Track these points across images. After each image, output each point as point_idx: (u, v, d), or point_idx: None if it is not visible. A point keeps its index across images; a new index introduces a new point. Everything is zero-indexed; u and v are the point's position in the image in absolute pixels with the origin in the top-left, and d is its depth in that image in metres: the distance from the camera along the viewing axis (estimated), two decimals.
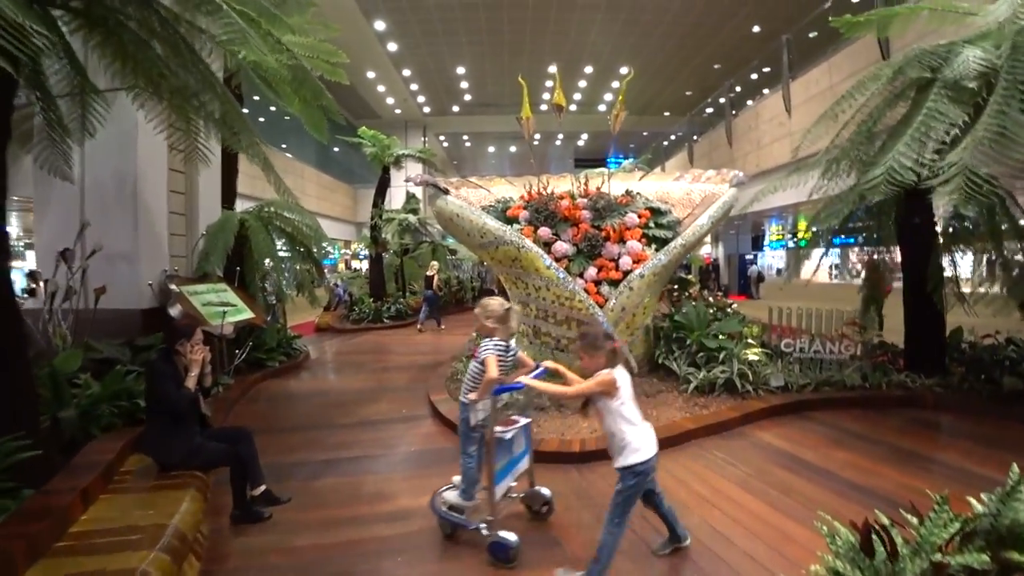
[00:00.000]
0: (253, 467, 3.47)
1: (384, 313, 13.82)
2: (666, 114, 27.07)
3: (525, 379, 2.78)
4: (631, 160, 24.82)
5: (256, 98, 11.46)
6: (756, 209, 6.75)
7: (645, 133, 30.16)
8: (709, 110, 22.42)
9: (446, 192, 6.39)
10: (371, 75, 21.08)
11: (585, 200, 6.61)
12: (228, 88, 7.85)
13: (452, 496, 3.16)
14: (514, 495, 3.27)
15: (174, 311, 5.89)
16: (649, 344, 6.39)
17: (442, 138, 31.11)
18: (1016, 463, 1.91)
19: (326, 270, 30.77)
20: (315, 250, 8.96)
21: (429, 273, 12.84)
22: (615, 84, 23.12)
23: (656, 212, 6.71)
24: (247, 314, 7.02)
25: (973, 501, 1.93)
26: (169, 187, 7.05)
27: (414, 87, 22.94)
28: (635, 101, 25.09)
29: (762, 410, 5.11)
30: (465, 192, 7.22)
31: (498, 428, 2.94)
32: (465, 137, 31.64)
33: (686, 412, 5.04)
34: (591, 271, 5.99)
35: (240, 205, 9.06)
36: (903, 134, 4.57)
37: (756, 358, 5.82)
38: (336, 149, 28.07)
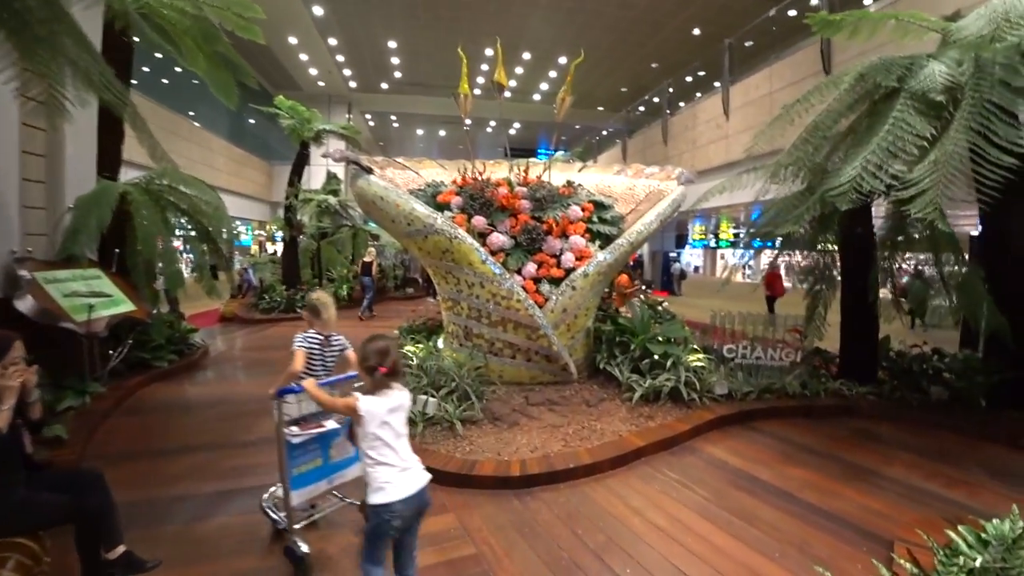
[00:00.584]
0: (107, 523, 2.52)
1: (298, 302, 12.65)
2: (600, 109, 27.10)
3: (306, 382, 2.58)
4: (563, 152, 24.60)
5: (159, 56, 9.93)
6: (687, 208, 6.48)
7: (578, 126, 30.13)
8: (641, 108, 22.64)
9: (369, 171, 5.58)
10: (293, 40, 19.32)
11: (525, 189, 6.04)
12: (114, 35, 6.60)
13: (280, 493, 3.01)
14: (334, 503, 3.16)
15: (23, 304, 4.69)
16: (590, 347, 5.94)
17: (368, 117, 29.48)
18: (967, 482, 1.59)
19: (236, 252, 28.44)
20: (216, 231, 7.73)
21: (367, 259, 12.37)
22: (552, 74, 22.76)
23: (600, 206, 6.26)
24: (125, 306, 5.88)
25: (960, 541, 1.65)
26: (21, 146, 5.68)
27: (340, 58, 21.33)
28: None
29: (710, 422, 4.77)
30: (391, 173, 6.42)
31: (295, 429, 2.84)
32: (393, 117, 30.14)
33: (632, 424, 4.61)
34: (530, 267, 5.43)
35: (130, 176, 7.65)
36: (867, 143, 4.35)
37: (700, 364, 5.53)
38: (252, 121, 25.82)
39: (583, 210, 5.97)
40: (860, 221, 5.83)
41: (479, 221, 5.57)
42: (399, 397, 2.26)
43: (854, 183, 4.05)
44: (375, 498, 2.12)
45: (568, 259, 5.44)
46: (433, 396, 4.54)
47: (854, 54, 9.26)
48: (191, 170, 17.43)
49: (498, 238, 5.46)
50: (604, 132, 26.64)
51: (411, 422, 4.41)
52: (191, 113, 19.45)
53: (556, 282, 5.40)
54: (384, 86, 24.79)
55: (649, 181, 6.91)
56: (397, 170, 6.84)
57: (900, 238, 6.08)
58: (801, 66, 10.99)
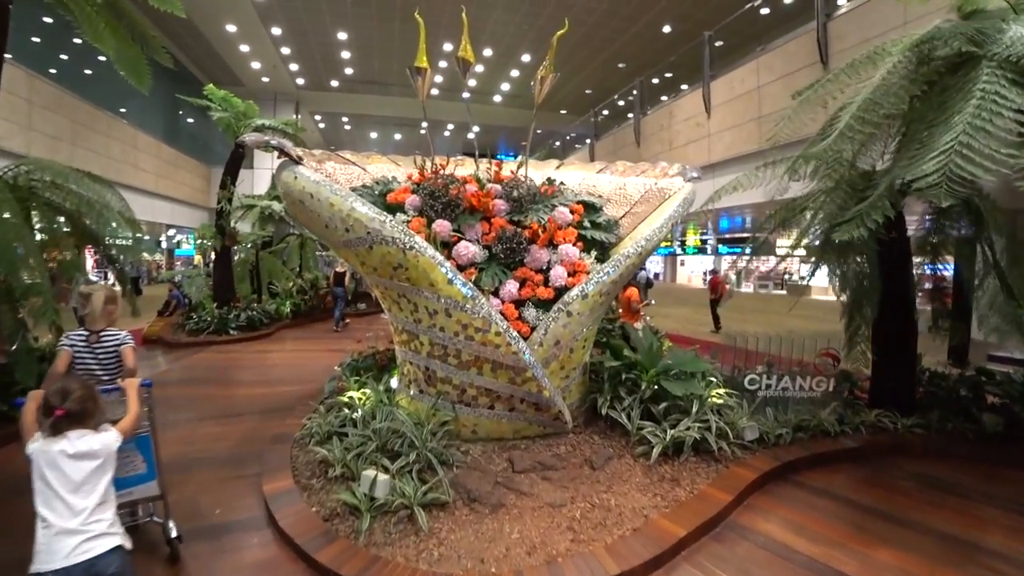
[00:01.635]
0: None
1: (231, 322, 11.07)
2: (563, 112, 26.29)
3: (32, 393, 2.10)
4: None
5: (78, 42, 8.29)
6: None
7: (539, 131, 29.24)
8: (606, 112, 21.86)
9: (298, 162, 4.27)
10: (231, 28, 17.55)
11: (498, 187, 4.85)
12: None
13: None
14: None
15: None
16: (586, 386, 4.78)
17: (318, 117, 27.72)
18: None
19: (179, 263, 25.97)
20: (103, 235, 6.10)
21: (340, 268, 11.70)
22: (514, 73, 21.74)
23: (590, 207, 5.13)
24: None
25: None
26: None
27: (286, 51, 19.63)
28: (528, 97, 23.95)
29: (752, 483, 3.68)
30: (331, 167, 5.11)
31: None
32: (345, 119, 28.46)
33: (654, 494, 3.47)
34: (510, 286, 4.22)
35: None
36: (943, 123, 3.39)
37: (722, 402, 4.46)
38: (191, 120, 23.70)
39: (572, 212, 4.84)
40: (894, 222, 4.92)
41: (442, 227, 4.33)
42: (89, 443, 1.96)
43: (946, 171, 3.06)
44: (33, 564, 1.81)
45: (559, 275, 4.27)
46: (384, 471, 3.27)
47: (854, 43, 8.56)
48: (110, 169, 15.71)
49: (468, 249, 4.24)
50: (568, 136, 25.82)
51: (355, 510, 3.12)
52: (122, 110, 17.31)
53: (544, 305, 4.22)
54: (334, 84, 23.17)
55: (642, 179, 5.84)
56: (338, 164, 5.54)
57: (936, 239, 5.24)
58: (795, 56, 10.26)
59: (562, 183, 5.83)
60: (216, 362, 8.48)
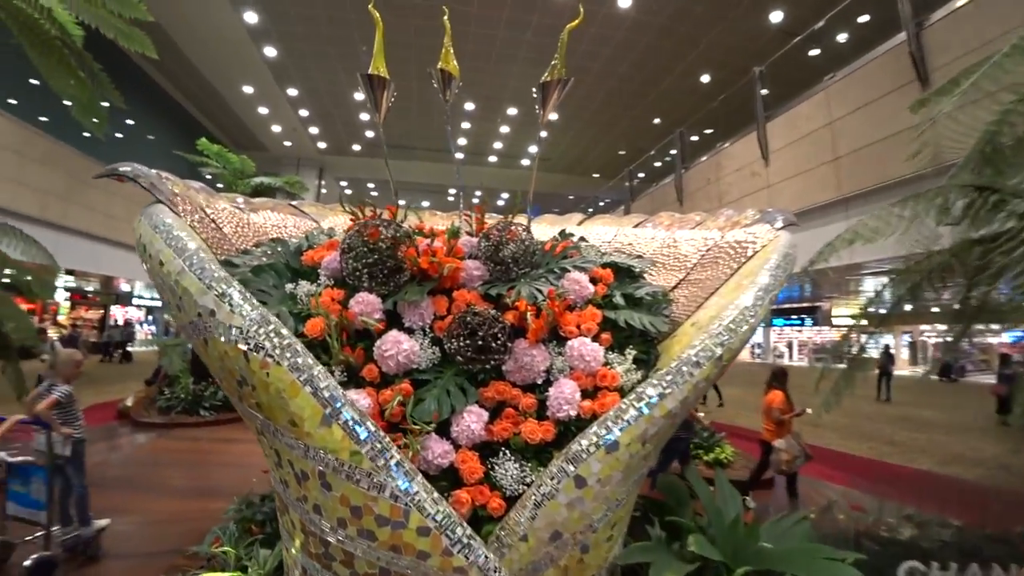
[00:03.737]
0: None
1: (205, 400, 9.48)
2: (595, 175, 24.98)
3: None
4: None
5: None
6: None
7: (571, 196, 28.01)
8: (642, 175, 20.33)
9: (165, 202, 2.56)
10: (248, 90, 17.05)
11: (474, 240, 3.00)
12: None
13: None
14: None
15: None
16: None
17: (344, 183, 27.22)
18: None
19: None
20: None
21: None
22: (543, 134, 20.65)
23: (623, 274, 3.21)
24: None
25: None
26: None
27: (304, 113, 19.05)
28: (560, 159, 22.81)
29: None
30: (222, 207, 3.35)
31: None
32: (371, 185, 27.90)
33: None
34: (471, 417, 2.23)
35: None
36: None
37: None
38: (209, 177, 23.32)
39: (594, 281, 2.91)
40: None
41: (364, 304, 2.46)
42: None
43: None
44: None
45: (564, 397, 2.28)
46: None
47: (962, 52, 6.69)
48: (111, 228, 14.70)
49: (398, 343, 2.32)
50: (601, 203, 24.33)
51: None
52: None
53: (537, 455, 2.24)
54: (356, 148, 22.55)
55: (701, 233, 3.93)
56: (283, 214, 3.86)
57: None
58: (878, 80, 8.36)
59: (583, 239, 4.02)
60: (161, 455, 6.86)
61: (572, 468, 2.01)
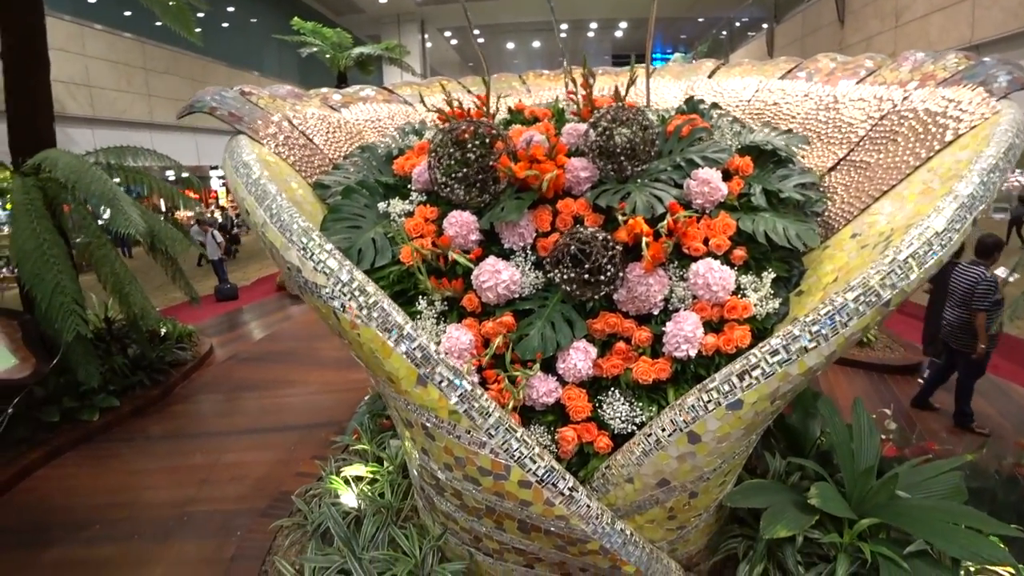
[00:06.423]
0: None
1: None
2: None
3: None
4: (682, 54, 19.50)
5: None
6: None
7: (701, 19, 24.05)
8: None
9: (247, 131, 2.46)
10: None
11: (583, 126, 2.53)
12: None
13: None
14: None
15: None
16: (720, 522, 2.51)
17: (448, 34, 25.71)
18: None
19: None
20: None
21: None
22: None
23: (767, 160, 2.61)
24: None
25: None
26: None
27: None
28: None
29: None
30: (311, 114, 3.16)
31: None
32: (476, 31, 26.02)
33: None
34: (577, 354, 2.04)
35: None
36: None
37: None
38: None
39: (727, 175, 2.40)
40: None
41: (458, 224, 2.24)
42: None
43: None
44: None
45: (684, 332, 1.98)
46: None
47: None
48: (214, 119, 15.12)
49: (497, 272, 2.11)
50: (738, 22, 20.59)
51: None
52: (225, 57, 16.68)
53: (649, 394, 2.03)
54: None
55: (876, 89, 3.06)
56: (328, 109, 3.62)
57: None
58: None
59: (715, 106, 3.36)
60: (312, 327, 7.70)
61: (686, 424, 1.79)
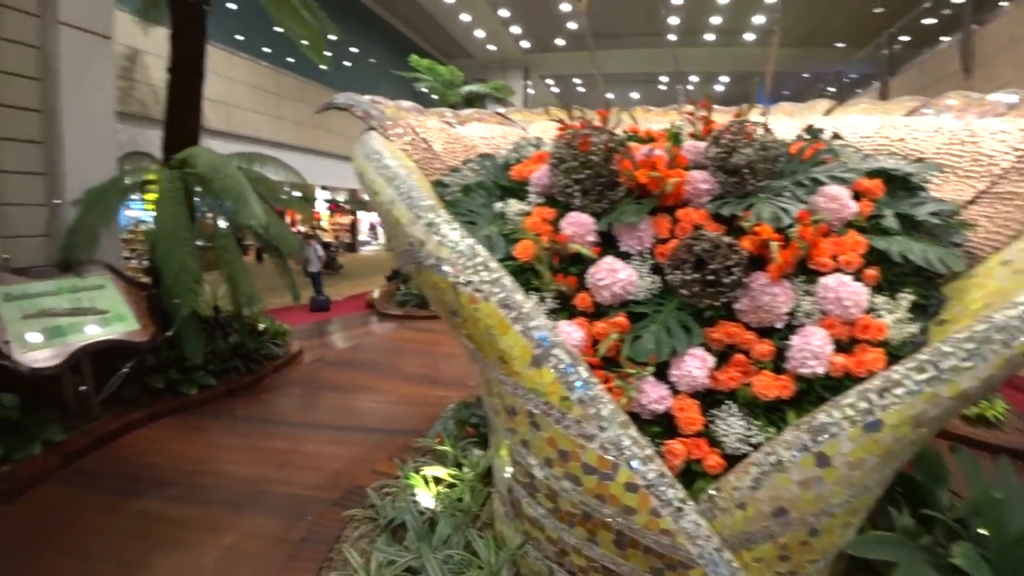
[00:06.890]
0: None
1: None
2: (838, 45, 20.29)
3: None
4: None
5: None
6: None
7: (806, 75, 23.46)
8: (905, 38, 15.78)
9: (384, 125, 2.70)
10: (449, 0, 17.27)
11: (700, 145, 2.52)
12: None
13: None
14: None
15: None
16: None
17: (550, 82, 26.68)
18: None
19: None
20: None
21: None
22: None
23: (895, 183, 2.45)
24: (120, 326, 4.71)
25: None
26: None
27: (504, 14, 18.70)
28: (792, 28, 18.91)
29: None
30: (432, 125, 3.37)
31: None
32: (577, 80, 26.85)
33: None
34: (693, 361, 1.96)
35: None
36: None
37: None
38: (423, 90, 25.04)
39: (857, 197, 2.28)
40: None
41: (577, 224, 2.27)
42: None
43: None
44: None
45: (811, 348, 1.86)
46: None
47: None
48: (332, 143, 16.84)
49: (615, 272, 2.11)
50: (846, 78, 19.85)
51: None
52: (291, 60, 17.29)
53: (769, 411, 1.91)
54: (560, 43, 21.62)
55: (1022, 123, 2.83)
56: (485, 124, 3.83)
57: None
58: None
59: (836, 136, 3.21)
60: (398, 343, 8.13)
61: (815, 443, 1.65)
